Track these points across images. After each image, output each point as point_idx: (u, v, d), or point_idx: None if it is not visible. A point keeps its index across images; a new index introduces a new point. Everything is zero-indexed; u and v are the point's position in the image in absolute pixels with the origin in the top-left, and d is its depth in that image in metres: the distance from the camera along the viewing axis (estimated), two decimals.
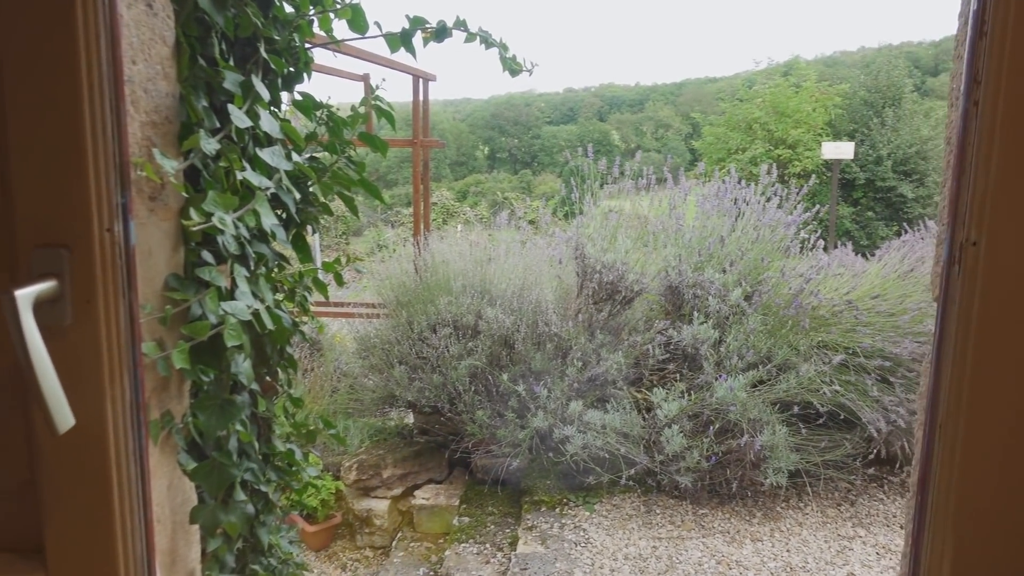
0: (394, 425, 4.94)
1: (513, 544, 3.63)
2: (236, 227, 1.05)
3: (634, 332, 4.22)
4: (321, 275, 1.96)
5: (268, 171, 1.19)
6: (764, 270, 4.13)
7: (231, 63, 1.17)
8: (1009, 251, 0.67)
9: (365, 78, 4.98)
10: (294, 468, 1.86)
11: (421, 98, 4.96)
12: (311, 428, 2.00)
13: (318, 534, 4.34)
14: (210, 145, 0.98)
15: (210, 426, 1.09)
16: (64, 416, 0.69)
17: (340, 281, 2.09)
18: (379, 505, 4.37)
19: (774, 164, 5.27)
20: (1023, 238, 0.66)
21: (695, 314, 3.97)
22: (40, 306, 0.69)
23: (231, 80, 1.10)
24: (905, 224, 6.99)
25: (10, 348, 0.78)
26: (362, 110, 1.94)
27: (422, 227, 5.05)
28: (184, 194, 1.00)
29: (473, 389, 4.03)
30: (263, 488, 1.53)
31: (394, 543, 4.22)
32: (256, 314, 1.14)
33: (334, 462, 4.56)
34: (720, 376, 3.66)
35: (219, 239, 1.08)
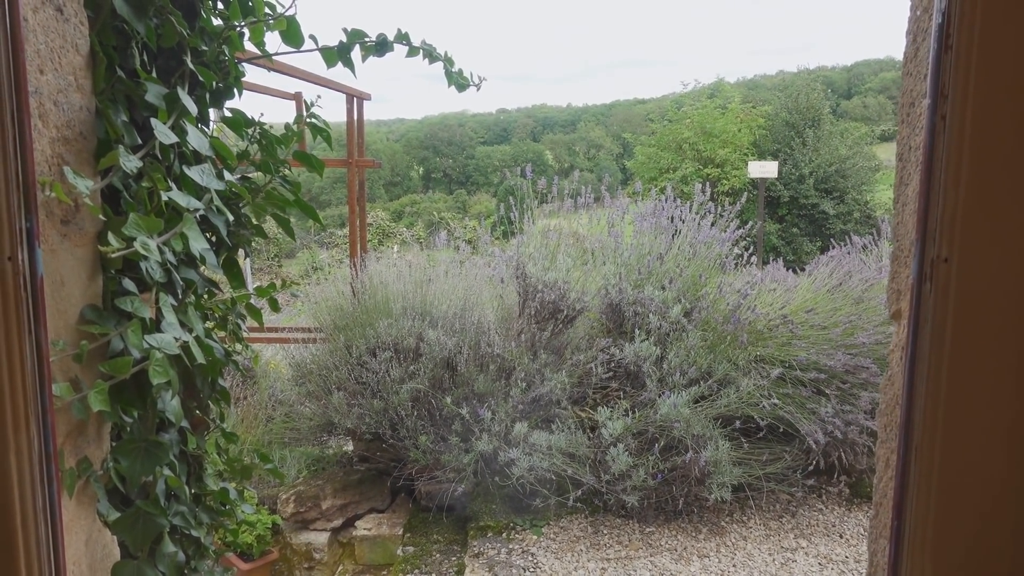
0: (333, 454, 4.77)
1: (460, 572, 3.53)
2: (161, 252, 0.95)
3: (577, 351, 4.20)
4: (254, 300, 1.86)
5: (197, 191, 1.09)
6: (702, 286, 4.19)
7: (154, 75, 1.08)
8: (982, 267, 0.65)
9: (297, 96, 4.86)
10: (227, 507, 1.74)
11: (356, 117, 4.87)
12: (245, 463, 1.88)
13: (254, 572, 4.12)
14: (131, 163, 0.89)
15: (134, 472, 0.98)
16: None
17: (275, 307, 1.99)
18: (319, 538, 4.19)
19: (705, 182, 5.39)
20: (997, 253, 0.65)
21: (636, 331, 3.98)
22: None
23: (154, 92, 1.01)
24: (830, 239, 7.26)
25: None
26: (296, 128, 1.86)
27: (359, 248, 4.93)
28: (102, 217, 0.90)
29: (415, 414, 3.93)
30: (194, 533, 1.41)
31: None
32: (185, 346, 1.04)
33: (270, 495, 4.36)
34: (663, 393, 3.68)
35: (143, 265, 0.98)
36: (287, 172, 1.79)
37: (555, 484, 3.72)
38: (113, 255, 0.90)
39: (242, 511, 1.93)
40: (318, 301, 4.57)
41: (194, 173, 1.07)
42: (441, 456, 3.84)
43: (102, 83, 0.94)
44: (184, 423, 1.30)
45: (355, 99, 4.84)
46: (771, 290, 4.54)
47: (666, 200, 4.56)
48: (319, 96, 1.92)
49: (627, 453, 3.51)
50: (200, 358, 1.07)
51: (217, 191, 1.15)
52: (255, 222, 1.72)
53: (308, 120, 1.90)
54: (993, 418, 0.68)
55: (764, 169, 14.86)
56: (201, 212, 1.08)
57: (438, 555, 3.81)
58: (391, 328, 4.09)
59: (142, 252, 0.90)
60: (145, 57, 1.07)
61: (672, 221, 4.61)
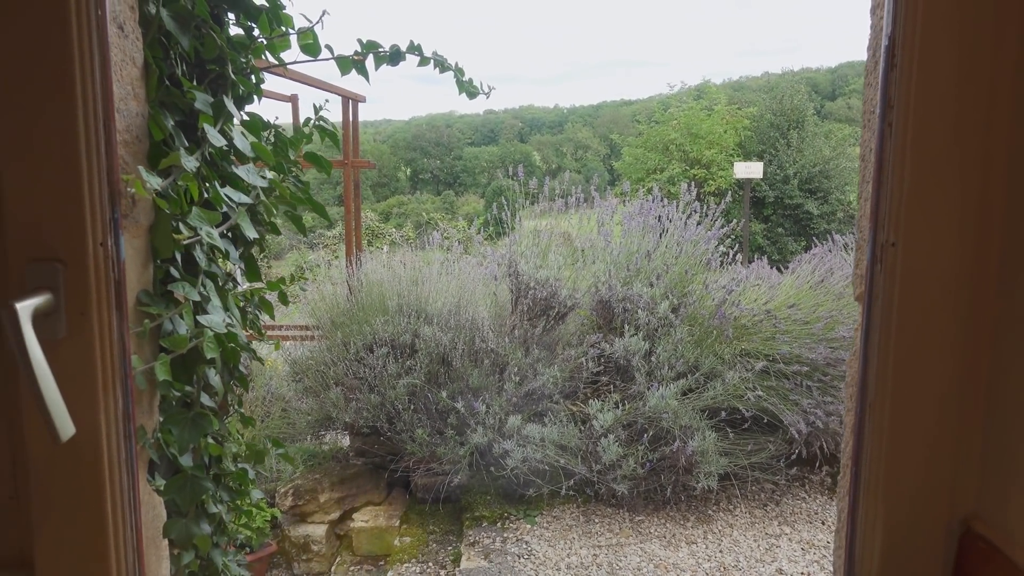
0: (329, 449, 4.86)
1: (456, 561, 3.64)
2: (211, 241, 1.07)
3: (568, 346, 4.33)
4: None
5: (245, 187, 1.21)
6: (689, 283, 4.32)
7: (194, 83, 1.19)
8: (922, 249, 0.78)
9: (293, 99, 4.95)
10: (244, 488, 1.84)
11: (351, 119, 4.97)
12: (258, 448, 1.99)
13: (253, 564, 4.20)
14: (190, 163, 1.00)
15: (183, 439, 1.09)
16: (65, 425, 0.70)
17: (284, 300, 2.10)
18: (316, 530, 4.28)
19: (691, 183, 5.52)
20: (934, 238, 0.77)
21: (626, 327, 4.11)
22: (35, 319, 0.71)
23: (201, 100, 1.12)
24: (814, 238, 7.44)
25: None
26: (306, 130, 1.97)
27: (354, 247, 5.03)
28: (167, 210, 1.01)
29: (412, 408, 4.04)
30: (217, 508, 1.52)
31: (333, 568, 4.15)
32: (230, 327, 1.15)
33: (268, 489, 4.45)
34: (652, 386, 3.81)
35: (194, 254, 1.09)
36: (298, 172, 1.90)
37: (548, 475, 3.84)
38: (185, 241, 1.01)
39: (253, 495, 2.04)
40: (315, 299, 4.66)
41: (242, 171, 1.19)
42: (437, 449, 3.95)
43: (154, 92, 1.05)
44: (213, 403, 1.41)
45: (350, 101, 4.94)
46: (755, 286, 4.69)
47: (653, 200, 4.69)
48: (327, 100, 2.03)
49: (617, 444, 3.64)
50: (238, 341, 1.19)
51: (261, 188, 1.27)
52: (269, 219, 1.83)
53: (316, 123, 2.01)
54: (934, 377, 0.81)
55: (749, 170, 15.08)
56: (250, 204, 1.20)
57: (434, 545, 3.91)
58: (387, 325, 4.19)
59: (207, 239, 1.02)
60: (184, 67, 1.18)
61: (660, 220, 4.74)
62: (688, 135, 20.16)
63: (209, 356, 1.05)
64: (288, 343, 4.88)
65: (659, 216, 4.74)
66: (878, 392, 0.82)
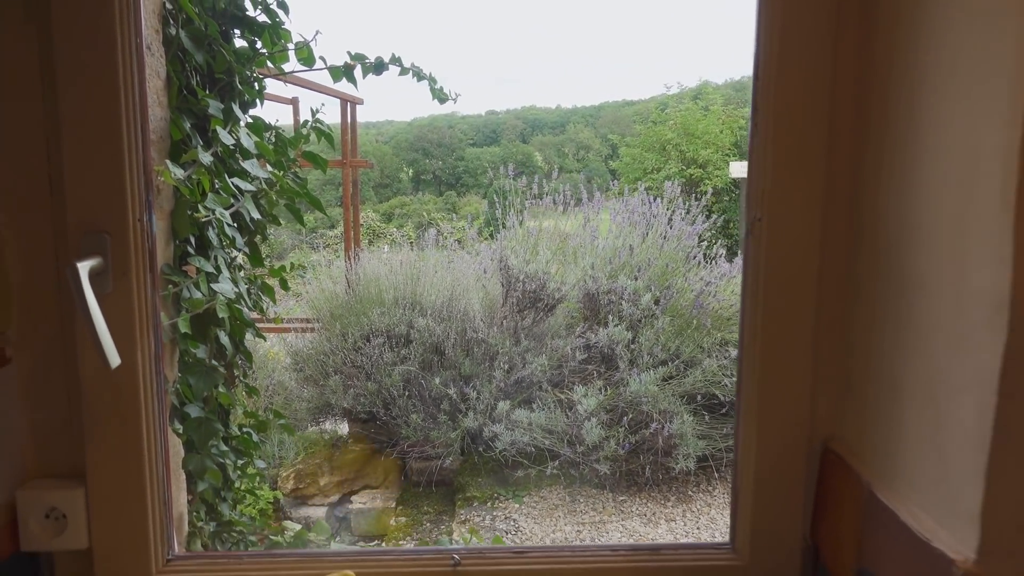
0: (329, 437, 5.08)
1: (448, 537, 3.85)
2: (223, 219, 1.29)
3: (556, 337, 4.54)
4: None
5: (250, 179, 1.42)
6: (671, 276, 4.54)
7: (207, 92, 1.40)
8: (779, 223, 0.99)
9: (294, 101, 5.17)
10: (249, 452, 2.06)
11: (349, 120, 5.19)
12: (261, 419, 2.20)
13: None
14: (206, 158, 1.21)
15: (199, 387, 1.31)
16: (113, 356, 0.91)
17: (285, 286, 2.31)
18: (317, 512, 4.50)
19: (676, 182, 5.70)
20: (791, 213, 0.98)
21: (610, 318, 4.32)
22: (90, 277, 0.92)
23: (214, 107, 1.34)
24: None
25: (54, 312, 1.00)
26: (304, 131, 2.18)
27: (352, 244, 5.25)
28: (186, 197, 1.23)
29: (407, 394, 4.25)
30: (225, 461, 1.74)
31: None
32: (237, 295, 1.37)
33: (271, 474, 4.66)
34: (634, 372, 4.02)
35: (207, 235, 1.31)
36: (297, 169, 2.12)
37: (535, 457, 4.05)
38: (203, 219, 1.23)
39: (256, 465, 2.25)
40: (315, 293, 4.88)
41: (247, 165, 1.40)
42: (431, 432, 4.16)
43: (175, 100, 1.27)
44: (222, 370, 1.62)
45: (349, 104, 5.16)
46: (735, 278, 4.89)
47: (638, 197, 4.91)
48: (323, 104, 2.25)
49: (600, 426, 3.85)
50: (243, 315, 1.40)
51: (263, 179, 1.48)
52: (271, 212, 2.04)
53: (314, 125, 2.22)
54: (795, 326, 1.02)
55: (745, 169, 15.26)
56: (253, 191, 1.42)
57: (428, 524, 4.13)
58: (384, 316, 4.41)
59: (219, 219, 1.23)
60: (198, 78, 1.39)
61: (645, 217, 4.96)
62: (685, 135, 20.33)
63: (221, 316, 1.26)
64: (290, 336, 5.09)
65: (644, 213, 4.96)
66: (752, 337, 1.03)
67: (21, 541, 1.01)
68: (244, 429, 2.00)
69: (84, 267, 0.90)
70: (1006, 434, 0.71)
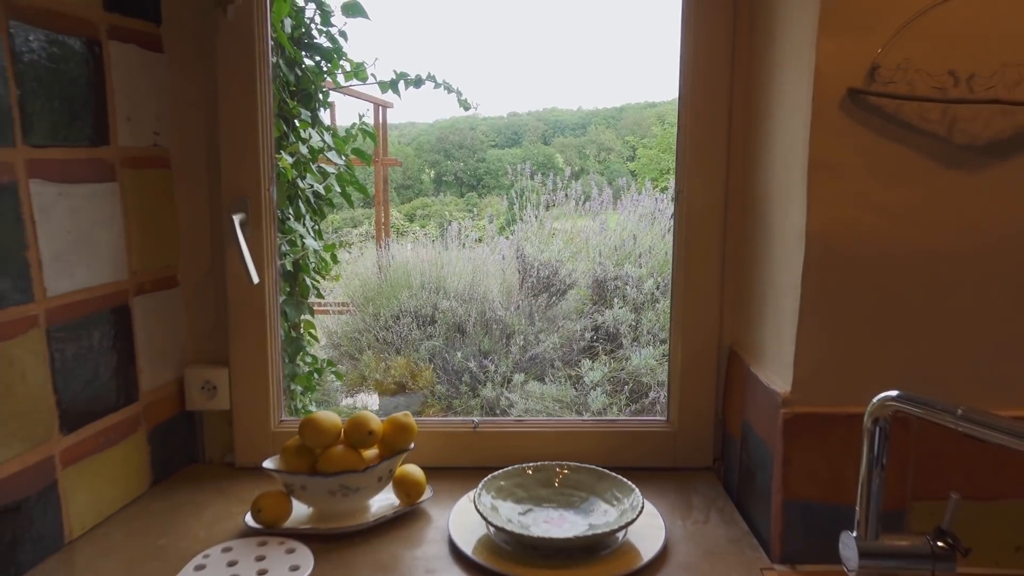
0: (362, 407, 5.59)
1: None
2: (316, 189, 1.78)
3: (567, 319, 5.01)
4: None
5: (328, 166, 1.92)
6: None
7: (294, 102, 1.90)
8: (695, 194, 1.45)
9: (332, 105, 5.70)
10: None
11: (381, 122, 5.71)
12: (318, 367, 2.71)
13: None
14: (304, 150, 1.70)
15: (294, 313, 1.79)
16: (256, 277, 1.40)
17: (335, 260, 2.82)
18: None
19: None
20: (701, 188, 1.45)
21: (616, 301, 4.78)
22: (240, 225, 1.41)
23: (304, 114, 1.83)
24: None
25: (207, 251, 1.50)
26: (354, 132, 2.68)
27: (383, 233, 5.77)
28: (289, 176, 1.72)
29: (432, 367, 4.75)
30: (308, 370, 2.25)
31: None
32: (317, 252, 1.86)
33: None
34: (635, 348, 4.48)
35: (299, 206, 1.80)
36: (347, 161, 2.62)
37: None
38: (309, 190, 1.72)
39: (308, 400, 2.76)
40: (350, 278, 5.40)
41: (331, 155, 1.90)
42: (453, 401, 4.65)
43: (276, 108, 1.76)
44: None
45: (380, 107, 5.68)
46: None
47: (643, 193, 5.36)
48: (367, 110, 2.75)
49: (604, 395, 4.31)
50: (327, 260, 1.90)
51: (340, 166, 1.97)
52: (328, 196, 2.55)
53: (360, 126, 2.72)
54: (707, 265, 1.48)
55: None
56: (336, 172, 1.91)
57: None
58: (411, 298, 4.91)
59: (307, 192, 1.73)
60: (288, 91, 1.88)
61: (650, 211, 5.42)
62: None
63: (310, 263, 1.75)
64: (326, 318, 5.61)
65: (650, 208, 5.41)
66: (679, 272, 1.50)
67: (186, 403, 1.52)
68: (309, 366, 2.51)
69: (237, 218, 1.40)
70: (805, 315, 1.17)
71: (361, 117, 2.76)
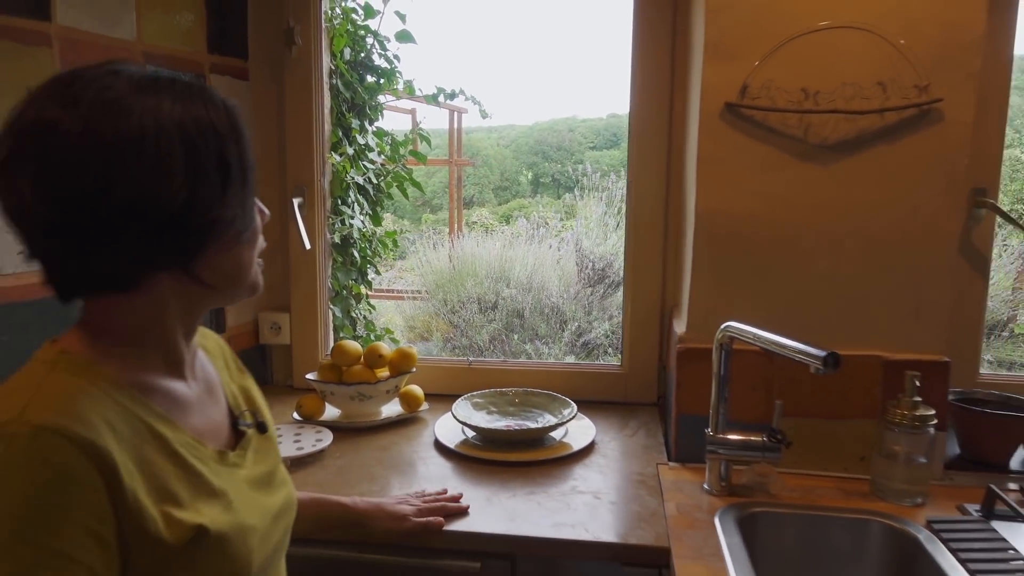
0: None
1: None
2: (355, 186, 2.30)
3: (620, 309, 5.36)
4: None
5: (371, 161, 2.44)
6: None
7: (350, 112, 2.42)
8: (642, 186, 1.84)
9: (412, 112, 6.31)
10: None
11: (455, 126, 6.26)
12: (379, 334, 3.23)
13: None
14: (350, 151, 2.22)
15: (344, 279, 2.31)
16: (308, 242, 1.91)
17: (396, 244, 3.33)
18: None
19: None
20: (647, 181, 1.83)
21: None
22: (299, 208, 1.93)
23: (356, 123, 2.35)
24: None
25: (277, 225, 2.02)
26: (411, 136, 3.18)
27: (454, 228, 6.31)
28: (340, 172, 2.25)
29: (492, 348, 5.23)
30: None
31: None
32: (364, 232, 2.38)
33: None
34: None
35: (348, 196, 2.32)
36: (405, 162, 3.12)
37: None
38: (358, 179, 2.24)
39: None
40: (424, 268, 5.97)
41: (373, 155, 2.41)
42: None
43: (335, 118, 2.27)
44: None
45: (455, 113, 6.23)
46: None
47: None
48: (425, 117, 3.25)
49: None
50: (385, 243, 2.42)
51: (379, 164, 2.49)
52: (387, 191, 3.06)
53: (417, 131, 3.22)
54: (650, 245, 1.87)
55: None
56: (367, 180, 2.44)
57: None
58: (477, 286, 5.41)
59: (353, 183, 2.25)
60: (344, 105, 2.40)
61: None
62: None
63: (355, 238, 2.26)
64: (405, 303, 6.20)
65: None
66: (630, 249, 1.89)
67: (259, 339, 2.05)
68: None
69: (296, 202, 1.92)
70: (696, 275, 1.55)
71: (419, 123, 3.26)
